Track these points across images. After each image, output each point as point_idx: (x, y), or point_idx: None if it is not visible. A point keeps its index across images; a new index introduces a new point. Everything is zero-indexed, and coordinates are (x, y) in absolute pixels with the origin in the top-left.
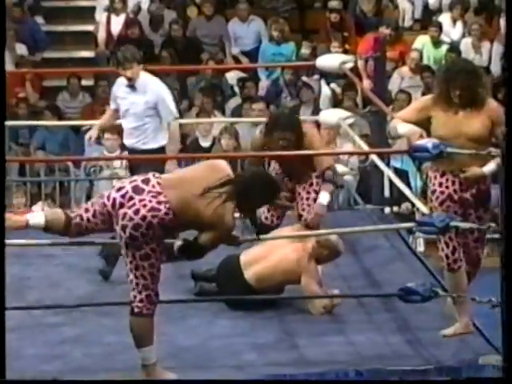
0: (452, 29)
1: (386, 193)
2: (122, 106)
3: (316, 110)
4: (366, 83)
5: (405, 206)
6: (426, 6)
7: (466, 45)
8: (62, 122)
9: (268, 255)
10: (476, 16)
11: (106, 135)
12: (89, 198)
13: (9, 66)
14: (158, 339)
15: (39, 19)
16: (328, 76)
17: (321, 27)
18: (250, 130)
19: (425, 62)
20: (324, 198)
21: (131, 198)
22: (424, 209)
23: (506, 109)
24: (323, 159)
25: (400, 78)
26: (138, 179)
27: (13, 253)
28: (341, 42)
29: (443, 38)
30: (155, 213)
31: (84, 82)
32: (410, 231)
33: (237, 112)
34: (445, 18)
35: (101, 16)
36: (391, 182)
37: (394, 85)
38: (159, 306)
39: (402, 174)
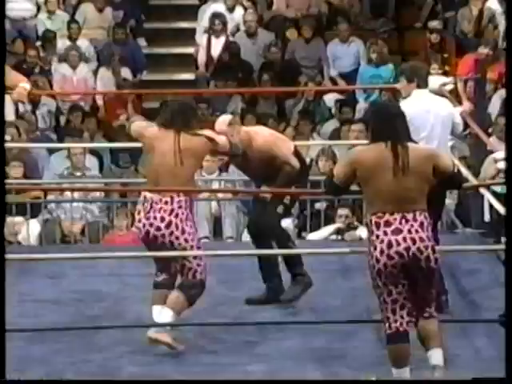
0: None
1: (486, 217)
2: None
3: None
4: (466, 105)
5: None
6: None
7: None
8: None
9: None
10: None
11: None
12: None
13: (111, 89)
14: None
15: (141, 41)
16: None
17: (420, 48)
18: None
19: None
20: None
21: None
22: None
23: (506, 108)
24: None
25: (500, 101)
26: None
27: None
28: (440, 63)
29: None
30: None
31: None
32: None
33: (334, 134)
34: None
35: (201, 38)
36: (491, 206)
37: (494, 107)
38: None
39: (502, 198)
